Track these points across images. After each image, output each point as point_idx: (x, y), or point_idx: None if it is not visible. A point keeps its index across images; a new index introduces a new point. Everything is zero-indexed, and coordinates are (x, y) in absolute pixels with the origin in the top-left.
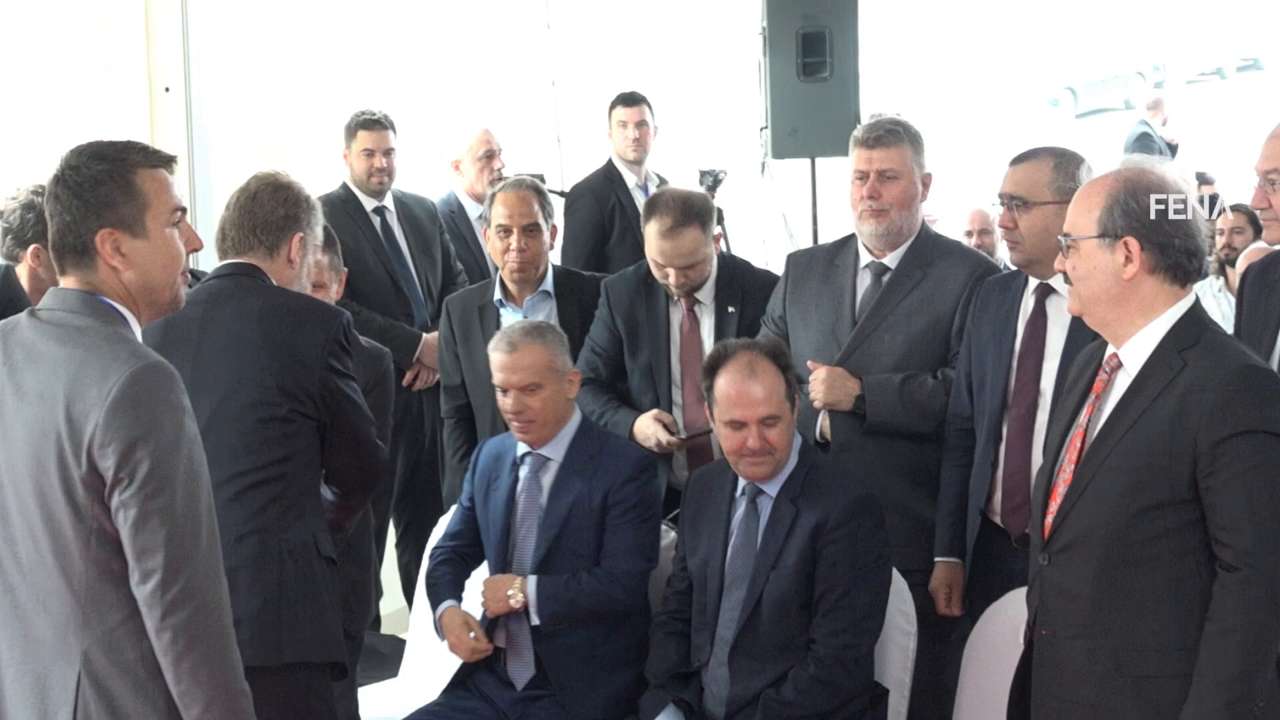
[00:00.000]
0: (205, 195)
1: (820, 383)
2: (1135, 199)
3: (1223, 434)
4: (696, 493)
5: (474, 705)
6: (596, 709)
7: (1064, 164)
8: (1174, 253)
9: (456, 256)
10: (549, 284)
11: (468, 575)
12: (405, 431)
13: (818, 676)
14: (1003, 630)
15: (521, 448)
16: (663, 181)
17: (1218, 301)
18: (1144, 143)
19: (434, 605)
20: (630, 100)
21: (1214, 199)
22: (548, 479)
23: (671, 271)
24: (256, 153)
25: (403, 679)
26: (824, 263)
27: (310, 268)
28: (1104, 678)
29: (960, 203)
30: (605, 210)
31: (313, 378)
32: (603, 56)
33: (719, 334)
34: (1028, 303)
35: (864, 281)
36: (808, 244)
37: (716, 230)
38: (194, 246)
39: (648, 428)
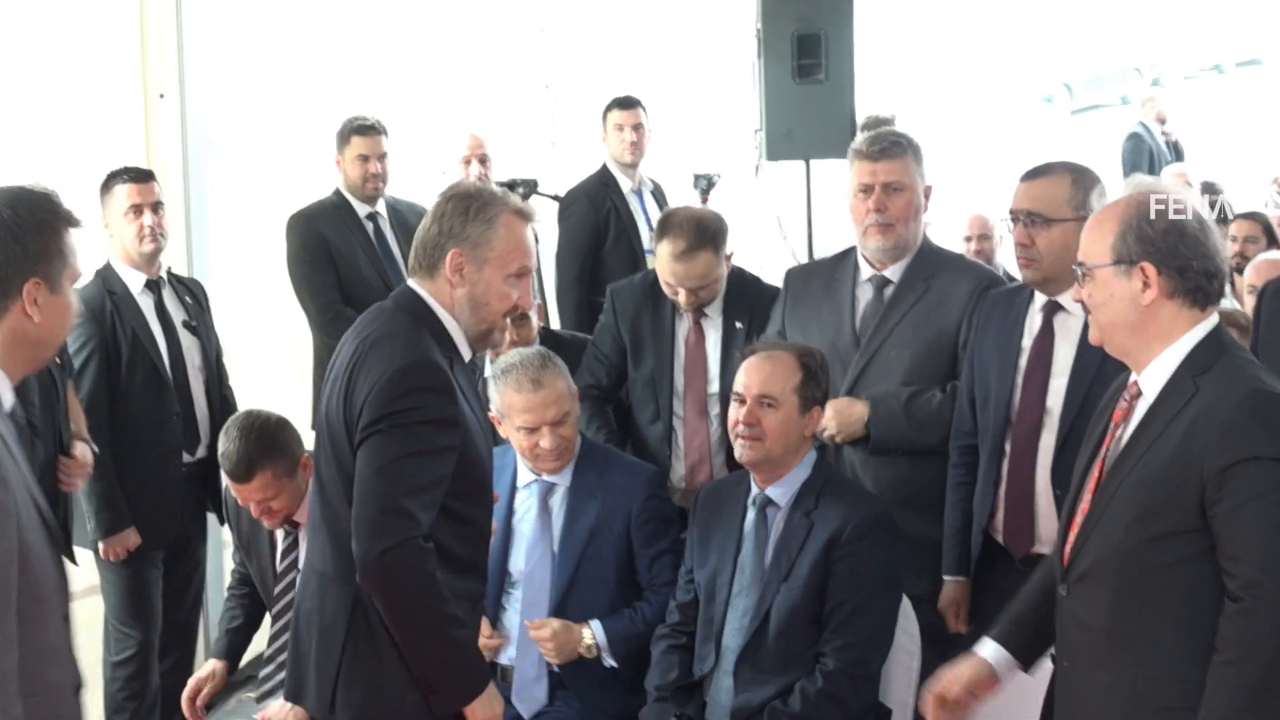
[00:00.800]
0: (200, 203)
1: (831, 418)
2: (1149, 223)
3: (1228, 460)
4: (707, 506)
5: None
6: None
7: (1081, 180)
8: (1193, 275)
9: None
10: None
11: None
12: None
13: (826, 691)
14: None
15: (526, 475)
16: (657, 186)
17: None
18: (1134, 142)
19: None
20: (626, 104)
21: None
22: (557, 503)
23: (682, 291)
24: (251, 159)
25: None
26: (823, 277)
27: (486, 289)
28: (1125, 710)
29: (956, 205)
30: (600, 215)
31: (359, 413)
32: (596, 59)
33: (725, 348)
34: (1034, 319)
35: (865, 295)
36: (802, 246)
37: (729, 250)
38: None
39: None
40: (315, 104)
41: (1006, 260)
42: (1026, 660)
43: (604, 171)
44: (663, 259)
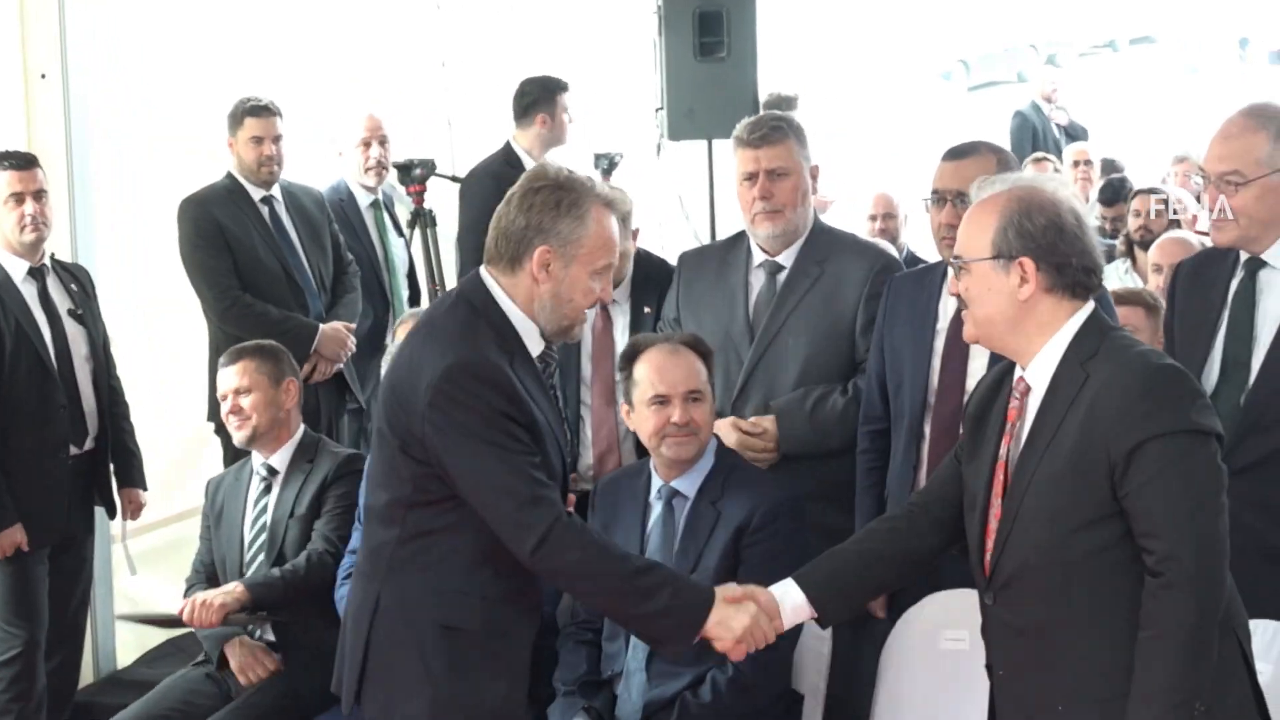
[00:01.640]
0: (84, 186)
1: (740, 443)
2: (1029, 218)
3: (1132, 442)
4: (606, 499)
5: None
6: None
7: (1005, 161)
8: (1071, 271)
9: (346, 246)
10: None
11: None
12: None
13: (738, 680)
14: (919, 634)
15: None
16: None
17: (1124, 283)
18: (1020, 120)
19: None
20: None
21: (1122, 183)
22: None
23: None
24: (139, 141)
25: None
26: (716, 261)
27: (572, 286)
28: (1069, 707)
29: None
30: (501, 195)
31: (416, 419)
32: (494, 37)
33: (633, 334)
34: (949, 302)
35: (758, 282)
36: (705, 226)
37: (634, 226)
38: None
39: None
40: (206, 84)
41: (912, 239)
42: (824, 614)
43: (508, 150)
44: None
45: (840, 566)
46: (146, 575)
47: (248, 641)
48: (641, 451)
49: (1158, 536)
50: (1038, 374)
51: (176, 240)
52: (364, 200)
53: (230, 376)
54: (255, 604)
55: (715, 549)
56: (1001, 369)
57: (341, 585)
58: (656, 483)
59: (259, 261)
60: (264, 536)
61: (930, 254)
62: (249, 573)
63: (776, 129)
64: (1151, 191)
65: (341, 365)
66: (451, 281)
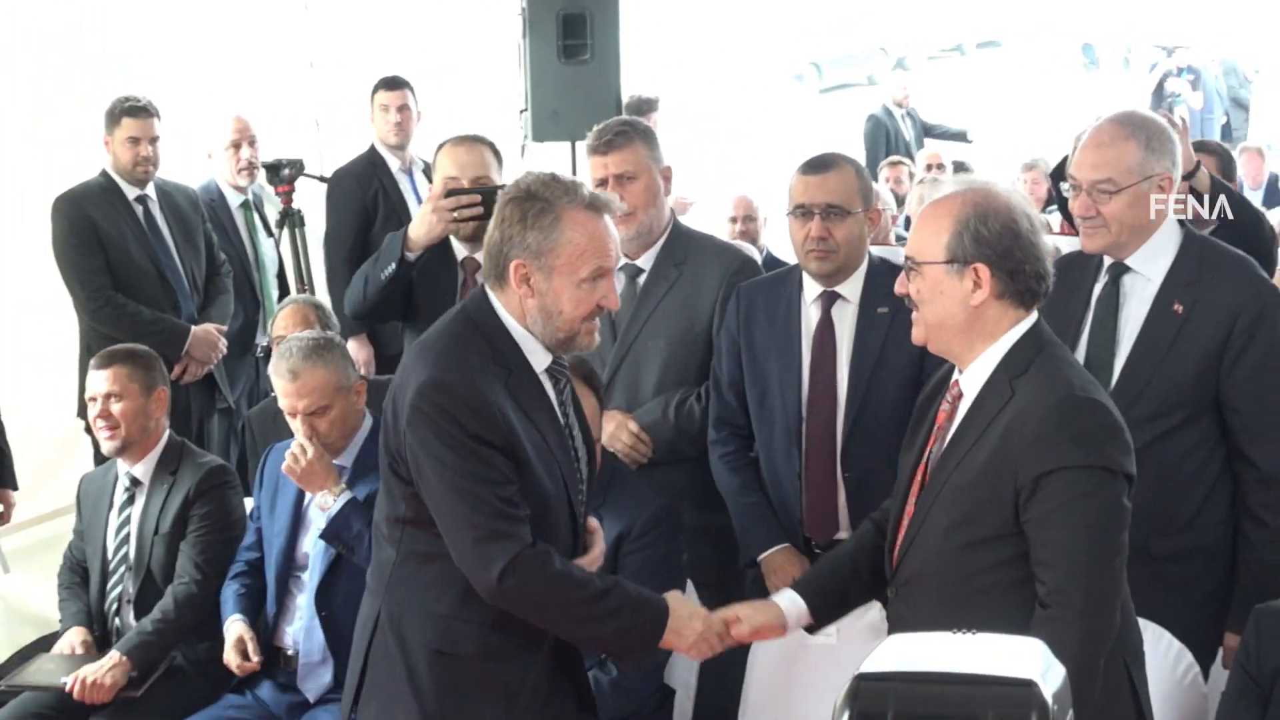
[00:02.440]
0: None
1: (630, 442)
2: (985, 224)
3: (1040, 470)
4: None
5: (248, 708)
6: None
7: (862, 172)
8: (1024, 278)
9: (219, 247)
10: None
11: (261, 589)
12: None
13: (619, 682)
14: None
15: None
16: (427, 165)
17: None
18: (873, 124)
19: (223, 616)
20: (392, 84)
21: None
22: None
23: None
24: (9, 138)
25: None
26: None
27: (557, 298)
28: None
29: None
30: (368, 195)
31: (398, 437)
32: (362, 37)
33: None
34: (810, 311)
35: (618, 285)
36: None
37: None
38: None
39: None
40: (77, 82)
41: (772, 241)
42: (819, 619)
43: (372, 152)
44: (442, 163)
45: (835, 571)
46: (19, 573)
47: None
48: None
49: (1051, 567)
50: (971, 382)
51: (50, 237)
52: (234, 200)
53: (101, 381)
54: (141, 665)
55: None
56: (950, 367)
57: (228, 585)
58: None
59: (132, 261)
60: (126, 549)
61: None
62: (111, 585)
63: (621, 134)
64: None
65: (212, 367)
66: (320, 281)
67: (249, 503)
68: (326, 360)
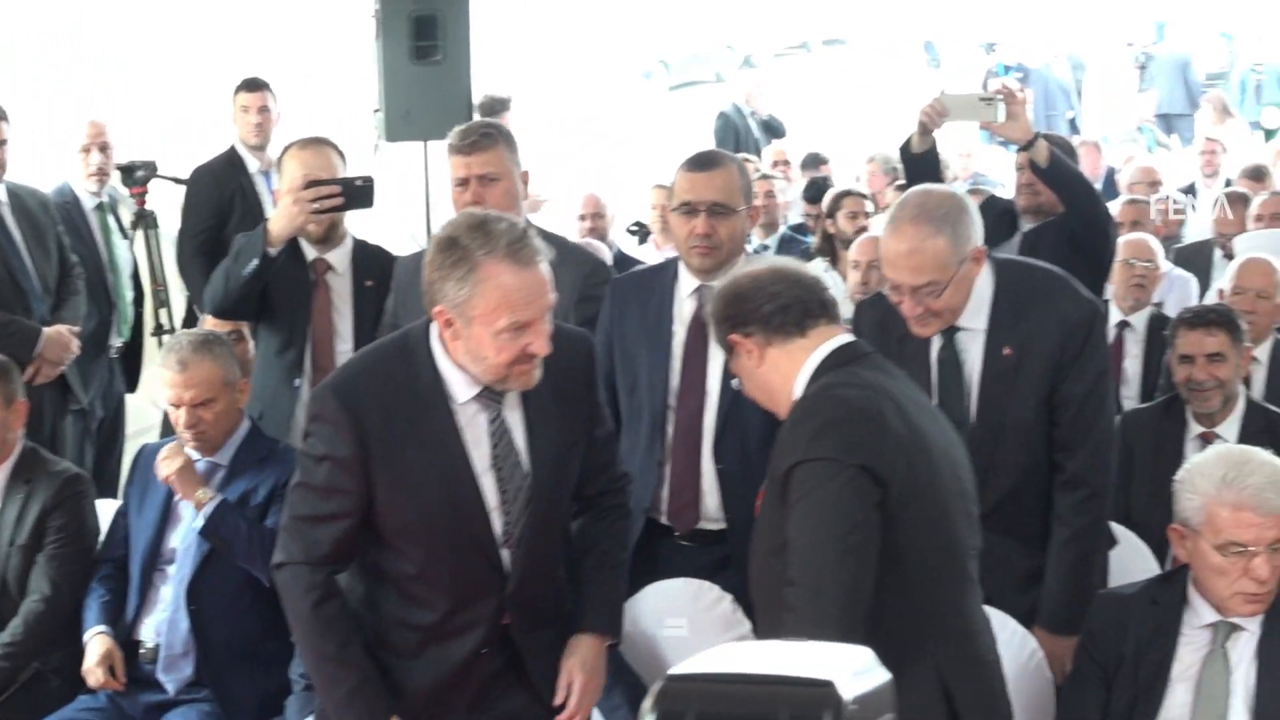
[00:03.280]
0: None
1: None
2: (716, 308)
3: (782, 469)
4: None
5: (101, 711)
6: (250, 709)
7: (743, 169)
8: (769, 317)
9: (71, 249)
10: None
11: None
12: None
13: None
14: (641, 621)
15: (192, 453)
16: None
17: (823, 280)
18: (723, 122)
19: (84, 626)
20: (253, 86)
21: (825, 181)
22: (214, 485)
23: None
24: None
25: None
26: None
27: (479, 345)
28: None
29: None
30: (225, 194)
31: None
32: (218, 39)
33: (358, 306)
34: (684, 303)
35: None
36: (421, 227)
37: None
38: None
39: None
40: (79, 83)
41: (620, 238)
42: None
43: (231, 152)
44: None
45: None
46: None
47: None
48: None
49: (790, 562)
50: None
51: None
52: (89, 203)
53: None
54: None
55: None
56: None
57: (92, 592)
58: None
59: None
60: None
61: (635, 252)
62: None
63: (486, 135)
64: (862, 195)
65: (64, 368)
66: (174, 283)
67: (108, 505)
68: (216, 354)
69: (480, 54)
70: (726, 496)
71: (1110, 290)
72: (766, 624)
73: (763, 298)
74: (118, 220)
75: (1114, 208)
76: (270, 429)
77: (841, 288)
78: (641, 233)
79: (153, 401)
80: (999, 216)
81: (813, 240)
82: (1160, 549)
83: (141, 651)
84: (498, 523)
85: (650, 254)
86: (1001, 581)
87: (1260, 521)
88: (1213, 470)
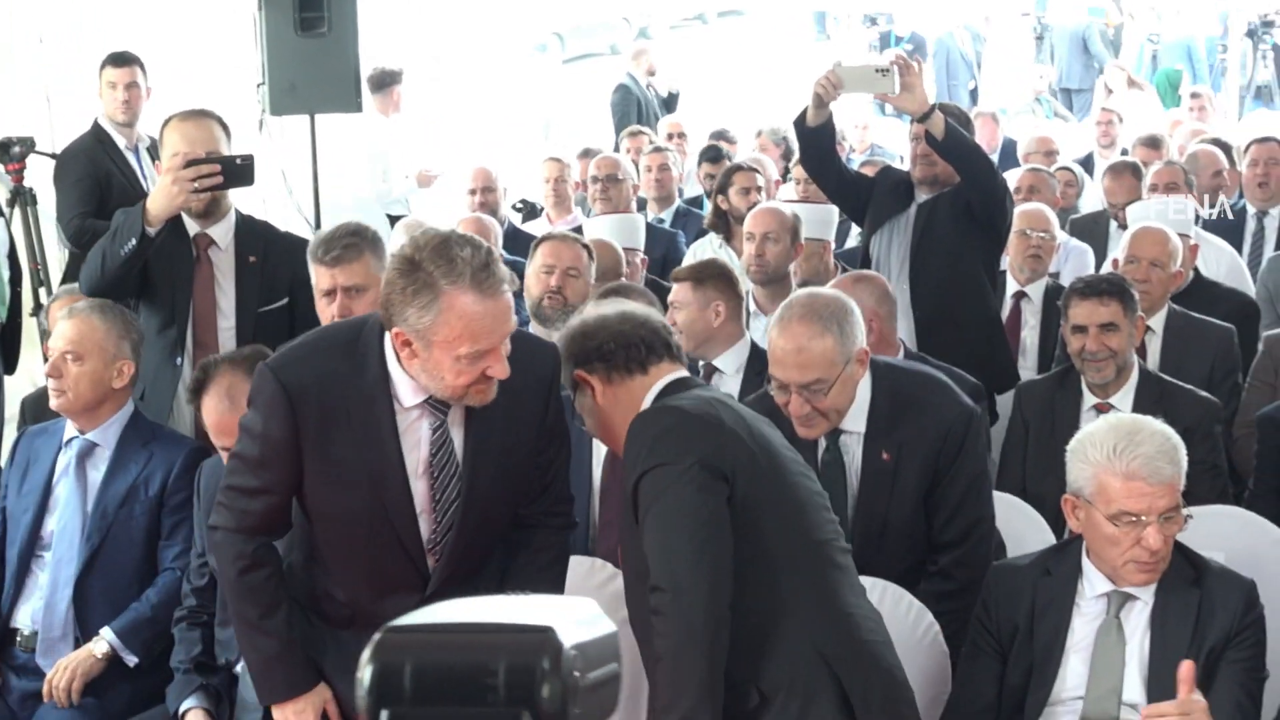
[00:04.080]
0: None
1: None
2: (563, 347)
3: (630, 483)
4: (210, 488)
5: None
6: (130, 695)
7: None
8: (612, 354)
9: None
10: None
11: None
12: None
13: None
14: None
15: (70, 431)
16: (154, 143)
17: (718, 255)
18: (623, 94)
19: None
20: (120, 60)
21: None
22: (97, 465)
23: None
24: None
25: None
26: None
27: (438, 368)
28: (651, 715)
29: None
30: (100, 173)
31: None
32: (92, 11)
33: (240, 283)
34: None
35: None
36: (308, 200)
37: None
38: None
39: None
40: (78, 82)
41: (513, 213)
42: None
43: (97, 129)
44: (170, 138)
45: None
46: None
47: None
48: None
49: (650, 570)
50: None
51: None
52: None
53: None
54: None
55: None
56: None
57: None
58: None
59: None
60: None
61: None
62: None
63: (351, 246)
64: (753, 169)
65: None
66: (54, 261)
67: None
68: (103, 317)
69: (369, 25)
70: None
71: (1007, 261)
72: (640, 630)
73: (606, 335)
74: None
75: (1013, 176)
76: (152, 408)
77: (736, 263)
78: (526, 209)
79: (32, 382)
80: (895, 188)
81: (705, 216)
82: (1056, 521)
83: (19, 639)
84: (425, 527)
85: (542, 228)
86: None
87: (1152, 491)
88: (1104, 440)
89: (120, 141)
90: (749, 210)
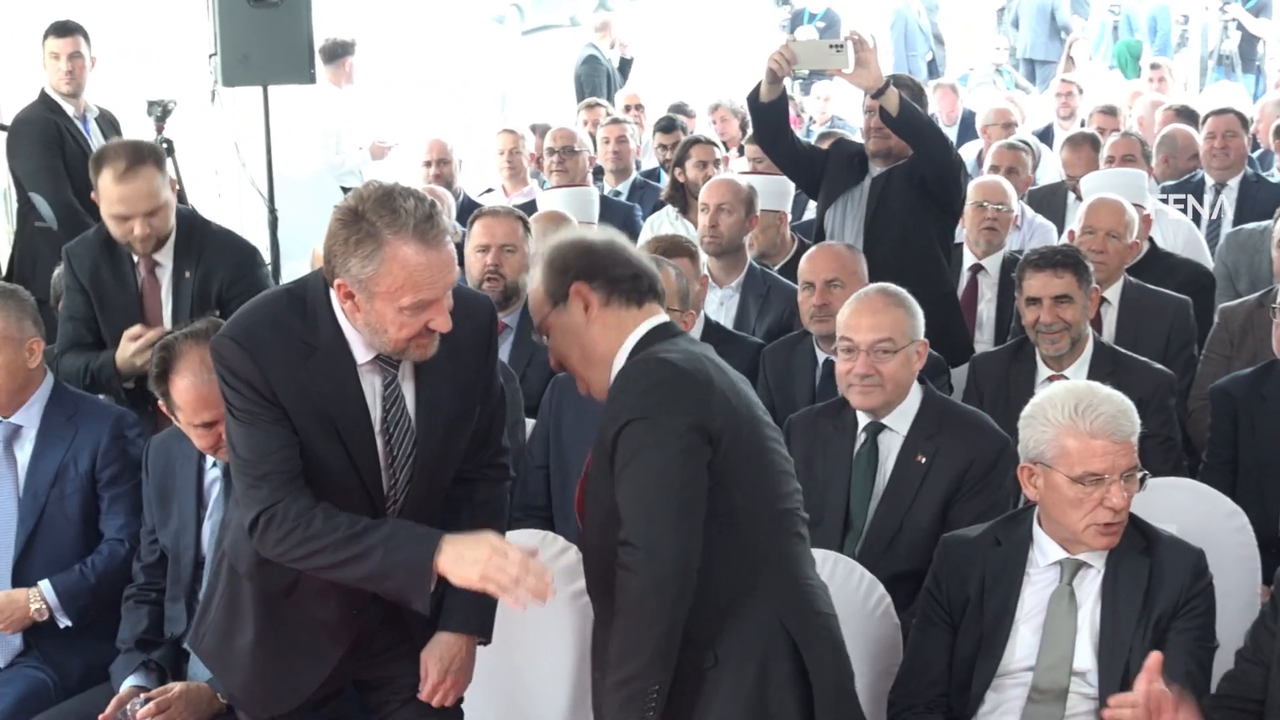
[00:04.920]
0: None
1: None
2: (562, 255)
3: (611, 432)
4: (158, 464)
5: None
6: (78, 676)
7: None
8: (620, 280)
9: None
10: None
11: None
12: None
13: None
14: None
15: None
16: (104, 113)
17: (674, 229)
18: (591, 66)
19: None
20: (63, 30)
21: (670, 121)
22: (23, 446)
23: (136, 222)
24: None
25: None
26: None
27: (380, 319)
28: (600, 674)
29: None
30: (53, 134)
31: None
32: None
33: (176, 298)
34: None
35: None
36: (261, 173)
37: (171, 176)
38: None
39: (127, 349)
40: None
41: (467, 184)
42: None
43: (45, 98)
44: (106, 189)
45: None
46: None
47: None
48: None
49: (622, 522)
50: (603, 387)
51: None
52: None
53: None
54: None
55: None
56: None
57: None
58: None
59: None
60: None
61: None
62: None
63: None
64: (710, 143)
65: None
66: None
67: None
68: (7, 306)
69: None
70: None
71: (963, 233)
72: (598, 586)
73: (617, 261)
74: None
75: (986, 153)
76: None
77: (693, 234)
78: None
79: None
80: (849, 161)
81: (662, 189)
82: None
83: None
84: (384, 483)
85: (498, 200)
86: None
87: (1115, 449)
88: (1064, 402)
89: (69, 110)
90: (705, 183)
